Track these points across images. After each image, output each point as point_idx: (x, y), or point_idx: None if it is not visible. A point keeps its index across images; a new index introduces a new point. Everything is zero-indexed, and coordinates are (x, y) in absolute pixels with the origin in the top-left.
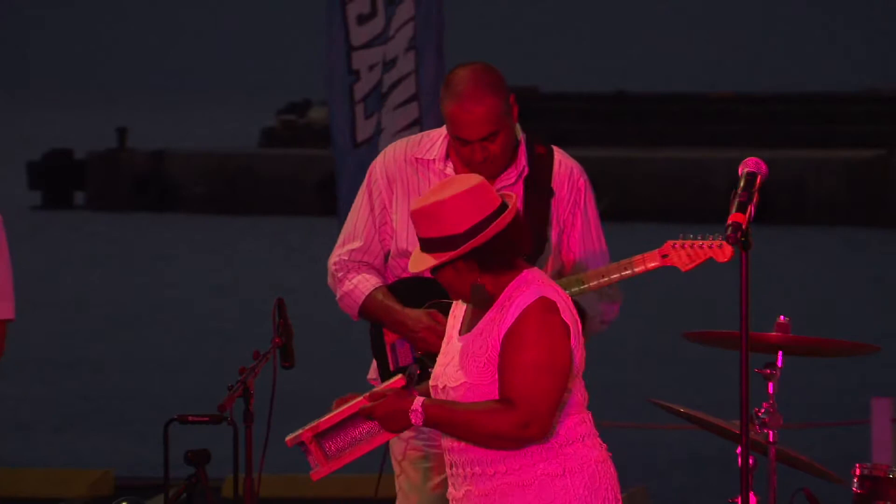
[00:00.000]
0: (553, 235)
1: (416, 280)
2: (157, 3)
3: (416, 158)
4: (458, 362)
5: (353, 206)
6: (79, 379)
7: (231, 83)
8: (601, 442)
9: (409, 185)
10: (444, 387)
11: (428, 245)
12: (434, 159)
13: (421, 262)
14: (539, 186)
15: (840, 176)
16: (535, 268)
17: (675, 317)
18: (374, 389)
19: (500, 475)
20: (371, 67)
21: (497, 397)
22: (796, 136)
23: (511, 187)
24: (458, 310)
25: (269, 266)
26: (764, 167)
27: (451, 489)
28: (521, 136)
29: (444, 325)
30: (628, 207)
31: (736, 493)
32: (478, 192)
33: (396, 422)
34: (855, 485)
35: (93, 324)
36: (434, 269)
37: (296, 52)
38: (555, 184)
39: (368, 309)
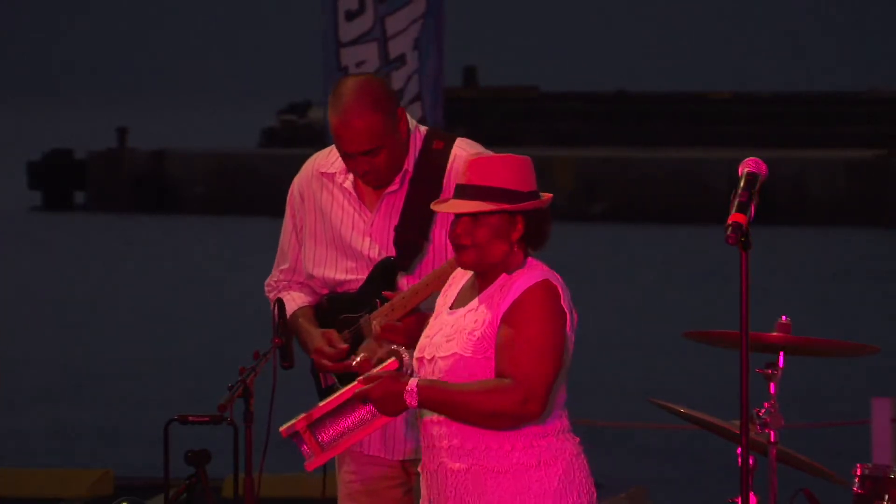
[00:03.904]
0: (438, 235)
1: (341, 295)
2: (157, 3)
3: (322, 173)
4: (448, 333)
5: (283, 223)
6: (78, 378)
7: (231, 83)
8: (574, 436)
9: (316, 200)
10: (433, 357)
11: (480, 192)
12: (336, 172)
13: (466, 207)
14: (426, 184)
15: (840, 176)
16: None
17: (675, 317)
18: (368, 373)
19: (477, 452)
20: (359, 64)
21: (488, 373)
22: (796, 136)
23: (395, 193)
24: (452, 288)
25: (268, 266)
26: (764, 167)
27: (424, 461)
28: (416, 131)
29: (338, 346)
30: (628, 207)
31: (736, 493)
32: (532, 169)
33: (392, 404)
34: (855, 485)
35: (92, 323)
36: (472, 214)
37: (296, 52)
38: (446, 180)
39: (291, 329)
